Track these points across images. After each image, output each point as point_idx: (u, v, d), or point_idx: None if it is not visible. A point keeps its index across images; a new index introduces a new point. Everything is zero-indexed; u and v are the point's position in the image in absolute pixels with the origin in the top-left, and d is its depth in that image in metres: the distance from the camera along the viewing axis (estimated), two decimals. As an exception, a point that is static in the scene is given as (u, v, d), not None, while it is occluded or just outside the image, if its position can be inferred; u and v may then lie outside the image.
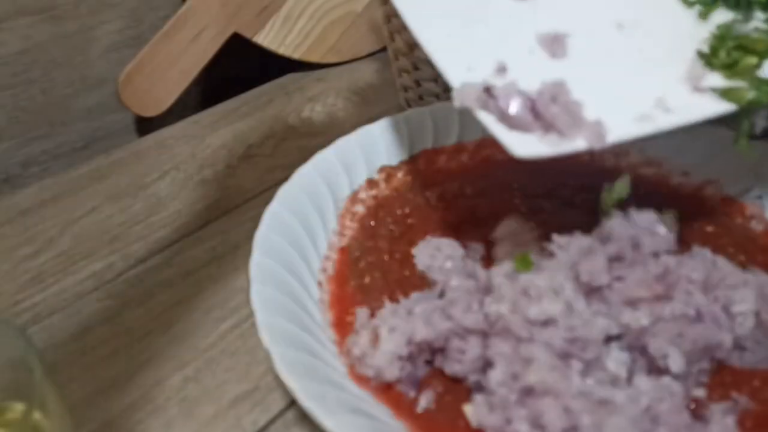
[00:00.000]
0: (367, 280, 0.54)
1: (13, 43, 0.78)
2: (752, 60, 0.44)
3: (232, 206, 0.71)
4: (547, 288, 0.43)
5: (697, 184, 0.61)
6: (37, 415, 0.33)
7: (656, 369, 0.44)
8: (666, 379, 0.43)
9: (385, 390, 0.47)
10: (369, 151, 0.65)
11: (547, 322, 0.42)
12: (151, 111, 0.89)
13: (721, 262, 0.47)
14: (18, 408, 0.37)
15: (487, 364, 0.44)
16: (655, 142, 0.62)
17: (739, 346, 0.45)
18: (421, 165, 0.65)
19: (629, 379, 0.43)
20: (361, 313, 0.50)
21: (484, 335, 0.45)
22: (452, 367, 0.46)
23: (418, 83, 0.81)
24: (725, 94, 0.43)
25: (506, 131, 0.42)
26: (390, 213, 0.60)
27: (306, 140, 0.83)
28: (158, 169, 0.77)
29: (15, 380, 0.36)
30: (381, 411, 0.44)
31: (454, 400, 0.45)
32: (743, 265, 0.49)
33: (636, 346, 0.44)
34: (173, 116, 0.89)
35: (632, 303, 0.44)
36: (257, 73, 0.97)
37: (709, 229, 0.55)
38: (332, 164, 0.62)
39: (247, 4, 0.89)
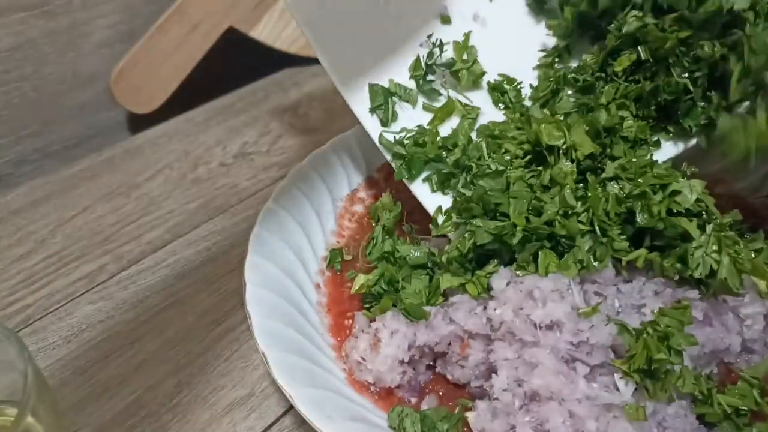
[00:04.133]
0: (364, 281, 0.53)
1: (5, 39, 0.77)
2: None
3: (226, 206, 0.70)
4: (552, 291, 0.42)
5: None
6: (29, 420, 0.32)
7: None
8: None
9: (386, 396, 0.46)
10: (368, 148, 0.63)
11: (553, 326, 0.41)
12: (144, 108, 0.88)
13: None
14: (10, 412, 0.37)
15: (490, 370, 0.43)
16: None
17: (747, 349, 0.45)
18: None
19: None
20: (361, 316, 0.49)
21: (488, 339, 0.44)
22: (454, 372, 0.45)
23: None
24: None
25: None
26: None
27: (303, 137, 0.82)
28: (151, 168, 0.76)
29: (7, 384, 0.36)
30: (381, 417, 0.43)
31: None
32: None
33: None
34: (166, 113, 0.88)
35: (639, 306, 0.43)
36: (252, 68, 0.96)
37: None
38: (330, 162, 0.61)
39: (242, -2, 0.88)
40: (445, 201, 0.51)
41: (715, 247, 0.41)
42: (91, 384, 0.51)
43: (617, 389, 0.40)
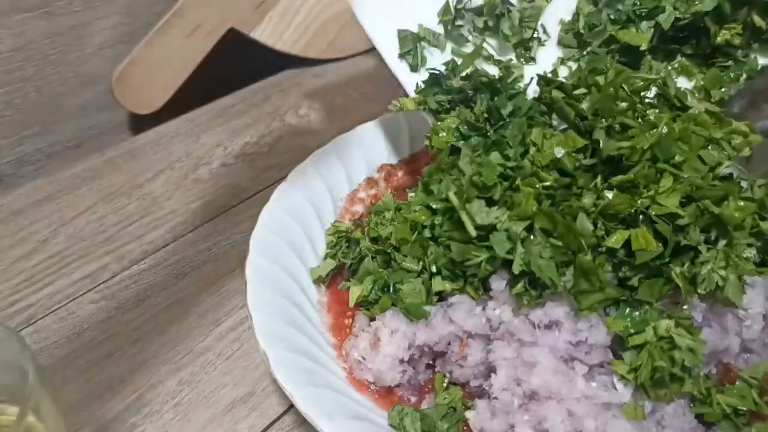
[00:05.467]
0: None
1: (6, 40, 0.77)
2: None
3: (227, 206, 0.71)
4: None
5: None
6: (31, 419, 0.32)
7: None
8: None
9: (386, 394, 0.46)
10: (368, 149, 0.64)
11: (551, 326, 0.41)
12: (146, 108, 0.88)
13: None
14: (12, 411, 0.37)
15: (489, 369, 0.44)
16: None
17: (746, 349, 0.45)
18: (422, 163, 0.64)
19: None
20: (361, 315, 0.49)
21: (487, 339, 0.44)
22: (454, 372, 0.45)
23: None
24: None
25: None
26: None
27: (303, 138, 0.82)
28: (152, 168, 0.76)
29: (9, 383, 0.36)
30: (381, 416, 0.44)
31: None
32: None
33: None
34: (168, 114, 0.88)
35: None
36: (253, 69, 0.96)
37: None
38: (331, 163, 0.61)
39: (243, -1, 0.88)
40: None
41: (722, 263, 0.41)
42: (93, 383, 0.52)
43: (616, 388, 0.40)
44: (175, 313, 0.58)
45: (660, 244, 0.40)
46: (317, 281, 0.53)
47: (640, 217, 0.41)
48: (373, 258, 0.50)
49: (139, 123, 0.90)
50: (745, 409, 0.41)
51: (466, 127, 0.48)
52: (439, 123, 0.50)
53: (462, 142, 0.48)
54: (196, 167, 0.77)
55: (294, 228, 0.55)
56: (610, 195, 0.41)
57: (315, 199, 0.58)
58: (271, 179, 0.74)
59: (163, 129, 0.84)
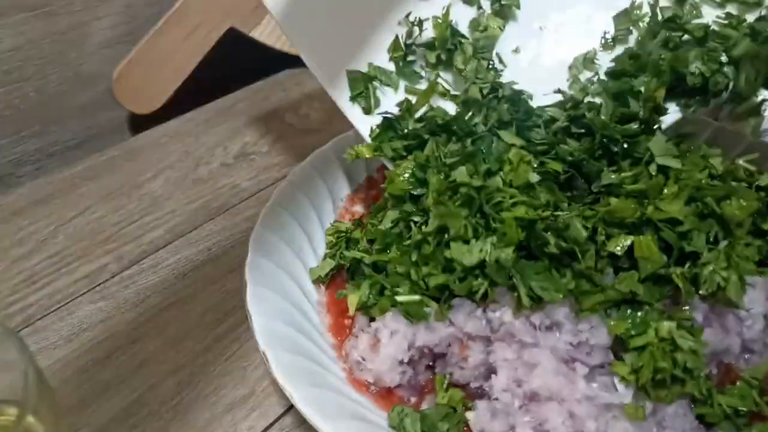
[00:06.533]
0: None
1: (6, 40, 0.77)
2: None
3: (227, 206, 0.70)
4: (551, 291, 0.42)
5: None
6: (30, 419, 0.32)
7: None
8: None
9: (386, 395, 0.46)
10: (368, 149, 0.63)
11: (552, 327, 0.41)
12: (145, 108, 0.88)
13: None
14: (11, 411, 0.37)
15: (489, 370, 0.43)
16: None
17: (747, 349, 0.45)
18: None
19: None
20: (361, 315, 0.49)
21: (487, 341, 0.44)
22: (454, 373, 0.45)
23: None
24: None
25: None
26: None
27: (304, 138, 0.82)
28: (152, 168, 0.76)
29: (8, 383, 0.36)
30: (381, 417, 0.43)
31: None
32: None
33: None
34: (167, 113, 0.88)
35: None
36: (253, 69, 0.96)
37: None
38: (331, 163, 0.61)
39: (243, -1, 0.88)
40: None
41: (724, 264, 0.40)
42: (92, 383, 0.52)
43: (616, 389, 0.40)
44: (174, 314, 0.57)
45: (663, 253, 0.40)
46: (317, 281, 0.53)
47: (643, 228, 0.41)
48: (367, 266, 0.49)
49: (139, 123, 0.90)
50: (746, 409, 0.41)
51: (420, 171, 0.47)
52: (395, 170, 0.48)
53: (419, 189, 0.47)
54: (196, 167, 0.77)
55: (294, 228, 0.55)
56: (613, 202, 0.41)
57: (315, 199, 0.58)
58: (271, 179, 0.74)
59: (163, 129, 0.84)
